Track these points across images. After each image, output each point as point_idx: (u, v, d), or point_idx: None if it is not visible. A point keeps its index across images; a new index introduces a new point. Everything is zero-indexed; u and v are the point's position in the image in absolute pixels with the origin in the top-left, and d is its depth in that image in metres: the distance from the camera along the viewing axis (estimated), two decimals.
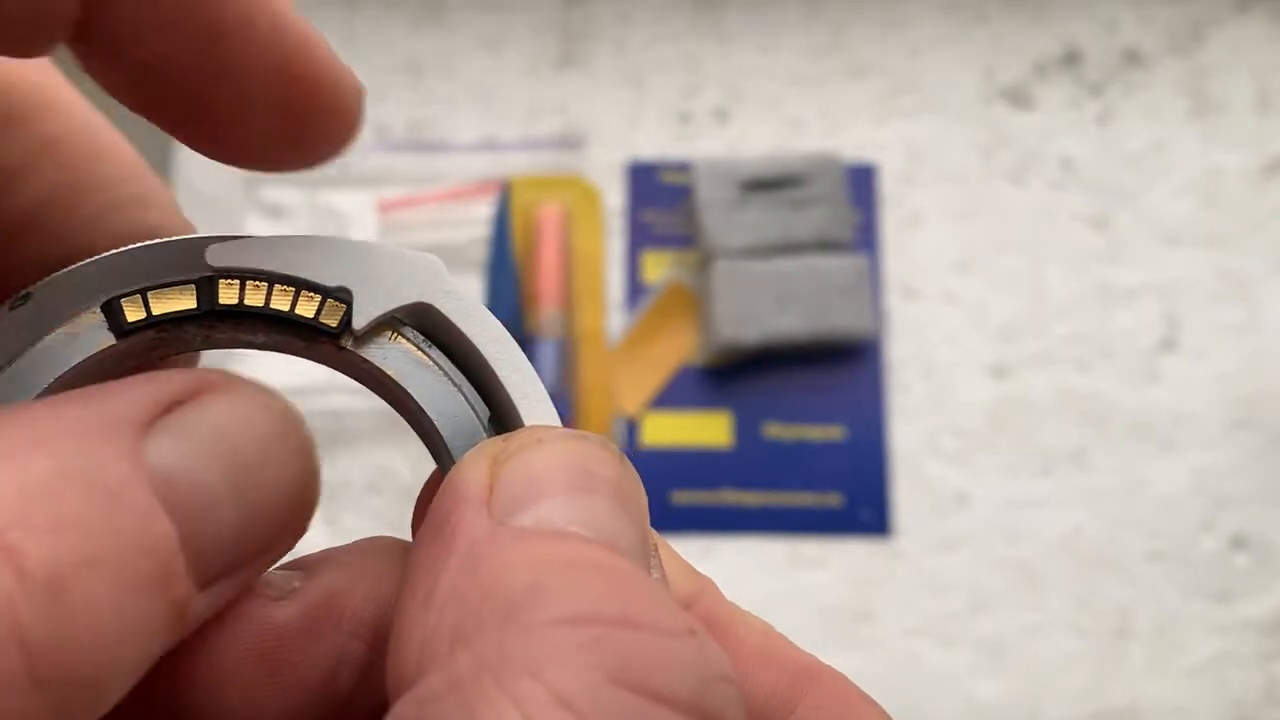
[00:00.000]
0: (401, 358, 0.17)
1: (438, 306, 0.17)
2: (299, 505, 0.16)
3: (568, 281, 0.63)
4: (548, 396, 0.18)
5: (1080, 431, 0.62)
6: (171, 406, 0.15)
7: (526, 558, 0.14)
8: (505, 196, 0.64)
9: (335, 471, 0.60)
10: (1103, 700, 0.59)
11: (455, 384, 0.18)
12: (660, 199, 0.65)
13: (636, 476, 0.16)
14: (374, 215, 0.64)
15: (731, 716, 0.14)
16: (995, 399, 0.62)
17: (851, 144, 0.66)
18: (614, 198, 0.65)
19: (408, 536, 0.18)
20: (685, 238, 0.64)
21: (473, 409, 0.18)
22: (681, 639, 0.14)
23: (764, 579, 0.60)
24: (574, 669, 0.13)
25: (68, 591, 0.13)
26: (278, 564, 0.18)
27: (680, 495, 0.61)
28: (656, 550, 0.16)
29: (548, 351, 0.61)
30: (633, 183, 0.65)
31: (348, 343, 0.17)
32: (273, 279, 0.17)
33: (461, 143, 0.66)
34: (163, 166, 0.66)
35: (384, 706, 0.17)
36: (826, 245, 0.62)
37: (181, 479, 0.14)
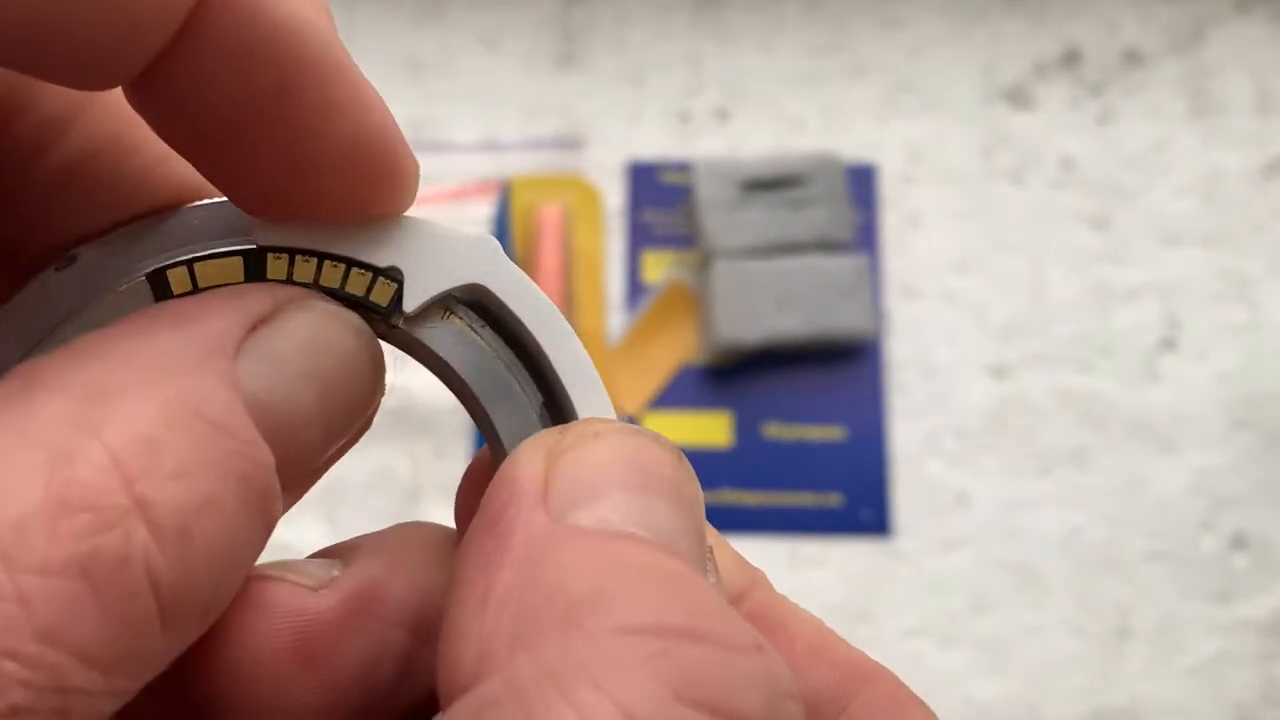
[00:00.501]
0: (453, 338, 0.17)
1: (491, 288, 0.17)
2: (370, 412, 0.16)
3: (568, 281, 0.63)
4: (602, 385, 0.17)
5: (1080, 431, 0.62)
6: (257, 325, 0.15)
7: (587, 560, 0.14)
8: (505, 196, 0.64)
9: (335, 470, 0.60)
10: (1103, 700, 0.59)
11: (508, 367, 0.17)
12: (660, 199, 0.65)
13: (693, 474, 0.16)
14: None
15: None
16: (995, 399, 0.62)
17: (851, 144, 0.66)
18: (614, 198, 0.65)
19: None
20: (685, 238, 0.64)
21: (525, 393, 0.18)
22: (748, 655, 0.13)
23: None
24: (639, 682, 0.12)
25: (192, 535, 0.13)
26: (312, 554, 0.18)
27: None
28: (712, 552, 0.16)
29: None
30: (633, 183, 0.65)
31: (398, 321, 0.17)
32: (322, 255, 0.17)
33: (461, 143, 0.66)
34: None
35: (426, 698, 0.17)
36: (826, 245, 0.62)
37: (276, 403, 0.15)
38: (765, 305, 0.61)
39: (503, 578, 0.14)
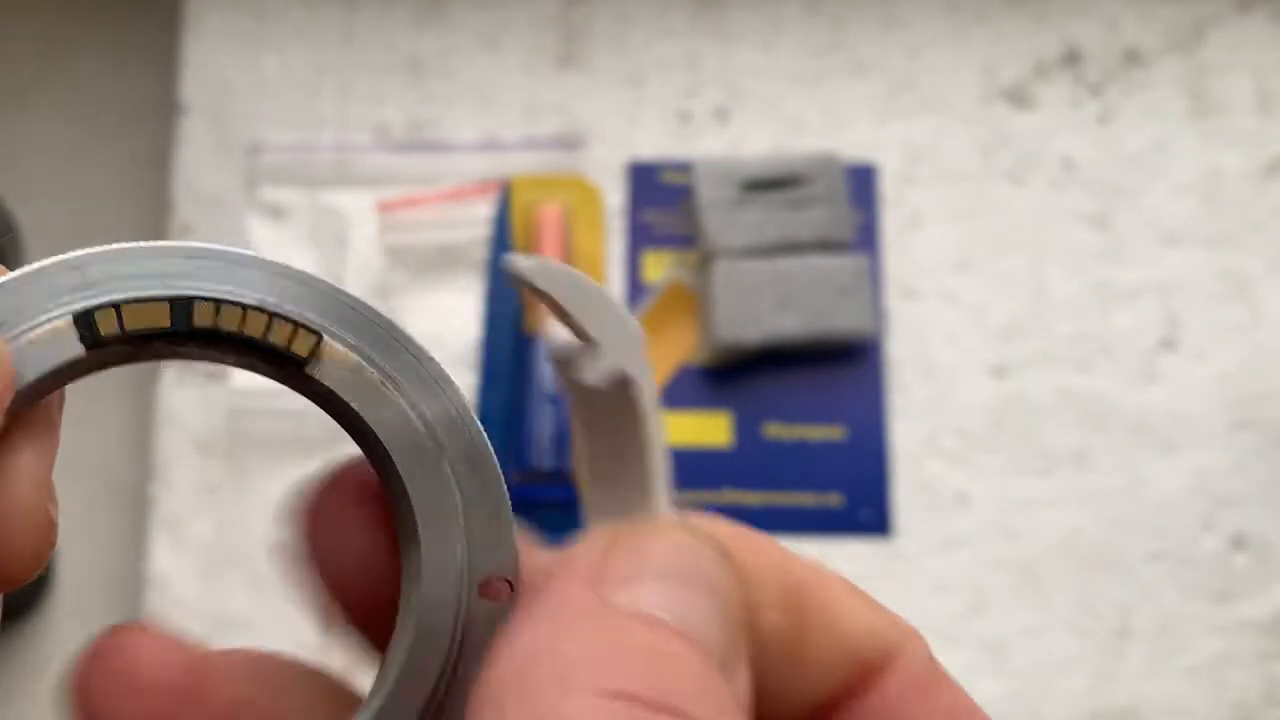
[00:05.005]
0: (367, 394, 0.18)
1: (636, 380, 0.18)
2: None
3: None
4: (669, 480, 0.19)
5: (1080, 431, 0.62)
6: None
7: (602, 632, 0.15)
8: (505, 196, 0.64)
9: None
10: (1103, 700, 0.59)
11: (414, 414, 0.18)
12: (660, 199, 0.65)
13: (736, 575, 0.17)
14: (374, 215, 0.64)
15: None
16: (995, 399, 0.62)
17: (851, 144, 0.66)
18: (614, 198, 0.65)
19: None
20: (685, 238, 0.64)
21: (429, 435, 0.18)
22: None
23: None
24: None
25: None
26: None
27: (680, 495, 0.61)
28: (745, 661, 0.17)
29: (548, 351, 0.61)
30: (633, 183, 0.65)
31: (314, 370, 0.18)
32: (246, 306, 0.17)
33: (461, 143, 0.66)
34: (162, 166, 0.66)
35: None
36: (827, 245, 0.62)
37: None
38: (765, 305, 0.61)
39: (524, 634, 0.15)
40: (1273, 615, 0.59)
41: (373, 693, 0.18)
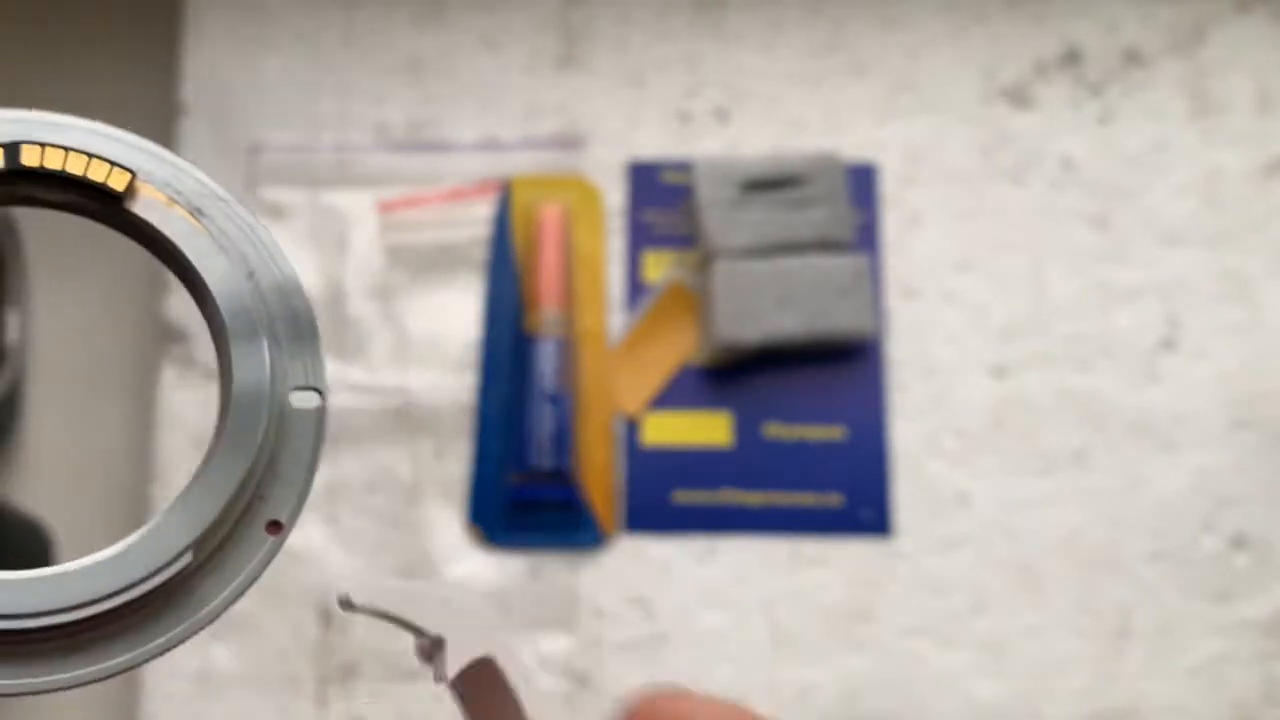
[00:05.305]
0: (179, 223, 0.20)
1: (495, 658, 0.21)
2: None
3: (568, 281, 0.63)
4: None
5: (1080, 431, 0.62)
6: None
7: None
8: (505, 196, 0.64)
9: (335, 471, 0.60)
10: (1103, 700, 0.59)
11: (225, 244, 0.20)
12: (660, 199, 0.65)
13: None
14: (374, 215, 0.64)
15: None
16: (995, 399, 0.62)
17: (851, 144, 0.66)
18: (614, 198, 0.65)
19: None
20: (685, 238, 0.64)
21: (246, 272, 0.20)
22: None
23: (764, 579, 0.60)
24: None
25: None
26: None
27: (680, 495, 0.61)
28: None
29: (548, 351, 0.61)
30: (633, 182, 0.65)
31: (131, 205, 0.20)
32: (70, 148, 0.20)
33: (461, 143, 0.66)
34: None
35: None
36: (827, 245, 0.62)
37: None
38: (765, 305, 0.61)
39: None
40: (1273, 615, 0.59)
41: (194, 474, 0.19)
